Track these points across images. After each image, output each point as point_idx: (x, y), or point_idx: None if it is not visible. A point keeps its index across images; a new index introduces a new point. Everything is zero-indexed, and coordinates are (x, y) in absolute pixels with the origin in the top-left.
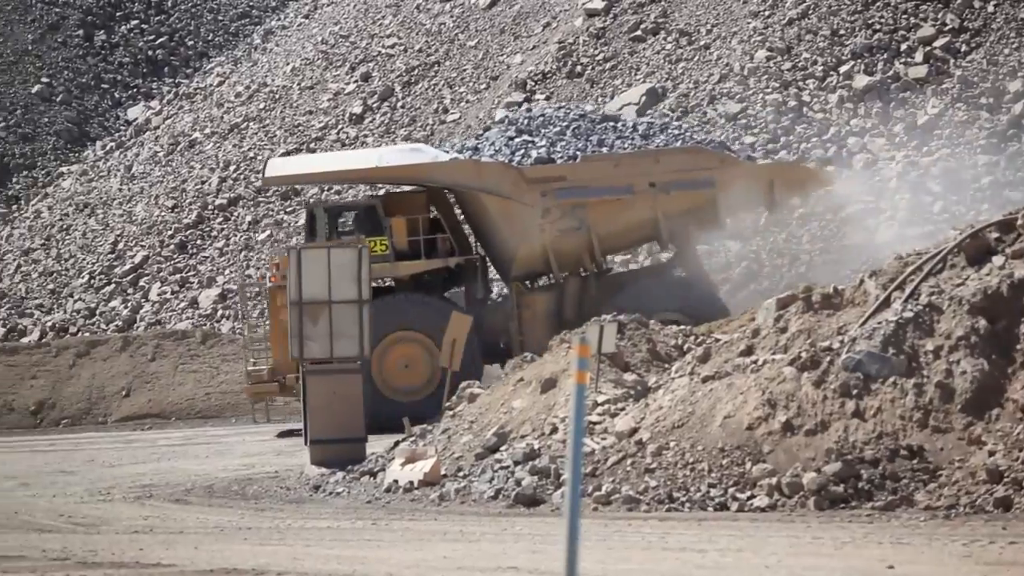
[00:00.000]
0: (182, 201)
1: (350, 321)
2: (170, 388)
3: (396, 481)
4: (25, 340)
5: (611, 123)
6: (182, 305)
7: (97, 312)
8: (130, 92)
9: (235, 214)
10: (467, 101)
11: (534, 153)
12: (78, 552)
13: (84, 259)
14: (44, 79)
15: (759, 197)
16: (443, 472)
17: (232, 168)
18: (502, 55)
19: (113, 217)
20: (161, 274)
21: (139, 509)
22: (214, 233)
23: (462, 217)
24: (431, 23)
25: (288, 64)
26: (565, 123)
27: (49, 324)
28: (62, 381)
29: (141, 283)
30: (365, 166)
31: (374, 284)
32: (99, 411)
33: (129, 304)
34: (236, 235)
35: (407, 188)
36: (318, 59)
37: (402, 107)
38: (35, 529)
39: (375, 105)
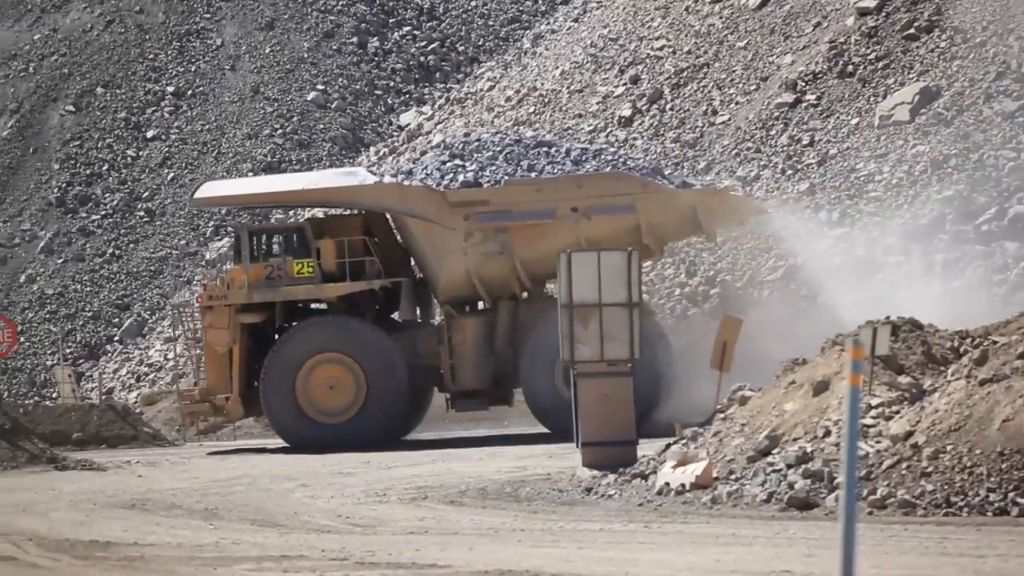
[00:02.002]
0: None
1: (620, 324)
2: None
3: (668, 484)
4: None
5: (544, 148)
6: None
7: None
8: (403, 98)
9: None
10: (736, 103)
11: (461, 177)
12: (356, 552)
13: None
14: (319, 86)
15: (684, 224)
16: (715, 475)
17: None
18: (772, 55)
19: None
20: None
21: (415, 510)
22: None
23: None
24: (700, 24)
25: (557, 68)
26: (499, 148)
27: None
28: None
29: None
30: (294, 188)
31: (311, 306)
32: None
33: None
34: None
35: (343, 212)
36: (587, 62)
37: (671, 109)
38: (314, 529)
39: (644, 107)
